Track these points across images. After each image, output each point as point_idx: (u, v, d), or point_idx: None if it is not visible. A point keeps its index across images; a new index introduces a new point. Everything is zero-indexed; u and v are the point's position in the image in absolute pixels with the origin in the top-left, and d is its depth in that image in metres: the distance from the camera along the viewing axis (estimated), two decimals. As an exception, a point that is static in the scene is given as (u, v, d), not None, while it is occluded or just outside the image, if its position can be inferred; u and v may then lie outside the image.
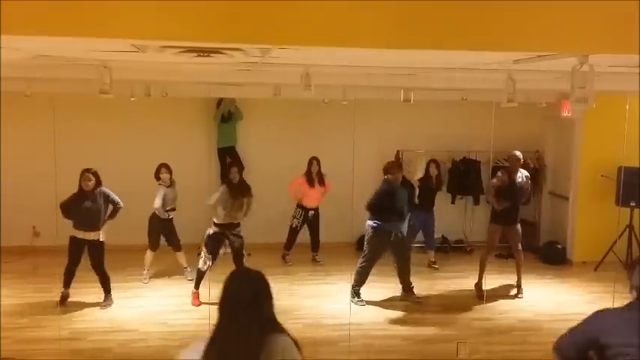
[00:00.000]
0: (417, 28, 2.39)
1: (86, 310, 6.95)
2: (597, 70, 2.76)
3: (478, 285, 7.76)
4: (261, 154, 9.57)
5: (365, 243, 7.42)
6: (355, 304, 7.15)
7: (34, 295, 7.30)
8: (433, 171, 8.95)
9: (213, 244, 7.19)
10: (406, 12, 2.35)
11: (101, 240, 6.99)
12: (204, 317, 6.27)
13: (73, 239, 6.94)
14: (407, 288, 7.48)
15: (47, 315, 6.70)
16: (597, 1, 2.43)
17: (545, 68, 3.74)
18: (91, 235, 6.92)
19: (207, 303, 6.87)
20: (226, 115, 9.56)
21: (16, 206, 8.71)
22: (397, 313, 7.11)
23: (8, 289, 7.28)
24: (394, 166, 7.59)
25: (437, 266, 8.97)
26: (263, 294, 2.48)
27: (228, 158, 9.58)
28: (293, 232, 8.99)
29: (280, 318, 2.52)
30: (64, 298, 7.04)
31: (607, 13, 2.42)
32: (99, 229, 6.95)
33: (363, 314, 7.00)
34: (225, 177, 9.39)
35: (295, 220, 8.94)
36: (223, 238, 7.30)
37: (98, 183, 6.93)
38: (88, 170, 6.91)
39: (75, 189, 6.91)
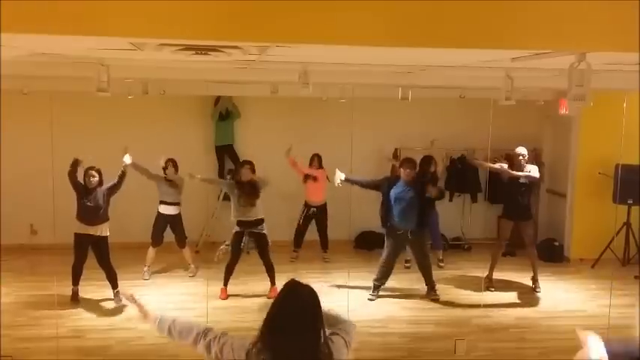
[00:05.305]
0: (414, 26, 2.39)
1: (85, 308, 6.95)
2: (595, 68, 2.76)
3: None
4: (258, 153, 9.52)
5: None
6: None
7: (33, 294, 7.29)
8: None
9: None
10: (404, 10, 2.35)
11: (104, 235, 7.07)
12: (202, 315, 6.28)
13: (77, 236, 7.03)
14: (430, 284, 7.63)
15: (45, 313, 6.69)
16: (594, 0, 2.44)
17: (542, 66, 3.75)
18: (95, 230, 7.00)
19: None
20: (224, 113, 9.56)
21: (14, 204, 8.69)
22: (395, 311, 7.12)
23: (6, 287, 7.28)
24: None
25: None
26: (317, 307, 2.51)
27: (226, 156, 9.59)
28: (296, 231, 9.01)
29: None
30: (75, 295, 7.15)
31: (605, 11, 2.43)
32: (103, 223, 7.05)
33: (361, 311, 6.99)
34: (222, 176, 9.45)
35: (299, 218, 8.97)
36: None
37: (100, 181, 7.06)
38: (91, 168, 7.06)
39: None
